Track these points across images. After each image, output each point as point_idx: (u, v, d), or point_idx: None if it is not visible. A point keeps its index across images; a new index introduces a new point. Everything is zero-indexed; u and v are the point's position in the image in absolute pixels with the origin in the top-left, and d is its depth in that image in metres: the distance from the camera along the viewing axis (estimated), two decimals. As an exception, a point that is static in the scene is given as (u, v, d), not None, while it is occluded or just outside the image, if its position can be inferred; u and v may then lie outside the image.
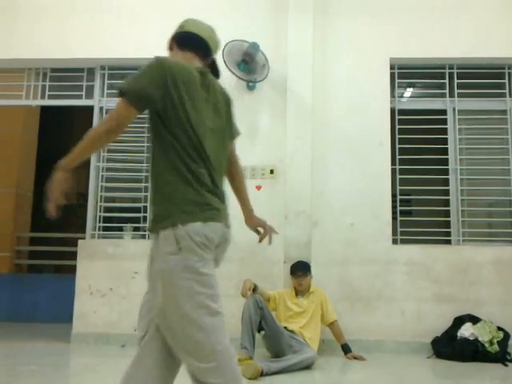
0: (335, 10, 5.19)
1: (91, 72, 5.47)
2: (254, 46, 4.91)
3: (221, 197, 1.88)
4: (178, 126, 1.78)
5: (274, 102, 5.11)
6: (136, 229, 5.17)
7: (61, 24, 5.29)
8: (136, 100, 1.74)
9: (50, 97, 5.52)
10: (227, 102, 2.05)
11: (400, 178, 5.10)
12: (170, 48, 2.05)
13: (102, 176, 5.31)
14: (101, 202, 5.25)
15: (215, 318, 1.71)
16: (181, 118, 1.78)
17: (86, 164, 5.26)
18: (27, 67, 5.50)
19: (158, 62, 1.80)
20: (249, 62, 4.89)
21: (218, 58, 4.65)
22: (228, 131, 2.03)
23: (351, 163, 5.01)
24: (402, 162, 5.13)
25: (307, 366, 3.89)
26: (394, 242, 4.95)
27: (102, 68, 5.45)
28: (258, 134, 5.07)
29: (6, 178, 7.04)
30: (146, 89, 1.75)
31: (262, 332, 3.99)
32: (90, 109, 5.39)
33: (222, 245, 1.85)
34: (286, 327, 4.08)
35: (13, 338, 5.26)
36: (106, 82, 5.43)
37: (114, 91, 5.38)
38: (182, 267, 1.68)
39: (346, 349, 4.34)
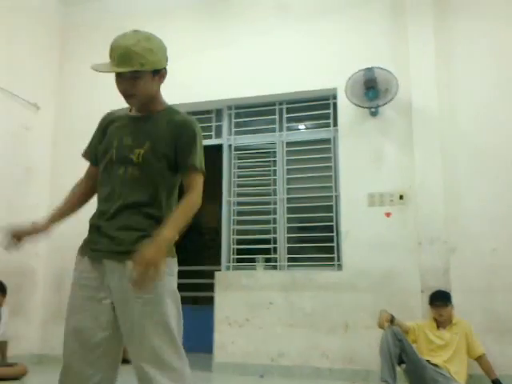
0: (457, 25, 4.97)
1: (219, 113, 5.78)
2: (370, 72, 4.86)
3: None
4: None
5: (399, 126, 4.97)
6: (267, 260, 5.28)
7: (190, 68, 5.59)
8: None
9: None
10: None
11: (546, 197, 4.65)
12: (161, 77, 1.99)
13: (234, 210, 5.53)
14: (233, 234, 5.46)
15: None
16: None
17: (217, 200, 5.53)
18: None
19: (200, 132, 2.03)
20: (375, 87, 4.84)
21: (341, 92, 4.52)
22: None
23: (487, 184, 4.67)
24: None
25: (454, 403, 3.64)
26: (545, 266, 4.49)
27: (229, 108, 5.74)
28: (384, 159, 4.96)
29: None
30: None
31: (403, 365, 3.81)
32: (215, 148, 5.55)
33: None
34: (428, 361, 3.84)
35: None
36: (233, 120, 5.72)
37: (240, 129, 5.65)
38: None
39: (497, 385, 3.97)
